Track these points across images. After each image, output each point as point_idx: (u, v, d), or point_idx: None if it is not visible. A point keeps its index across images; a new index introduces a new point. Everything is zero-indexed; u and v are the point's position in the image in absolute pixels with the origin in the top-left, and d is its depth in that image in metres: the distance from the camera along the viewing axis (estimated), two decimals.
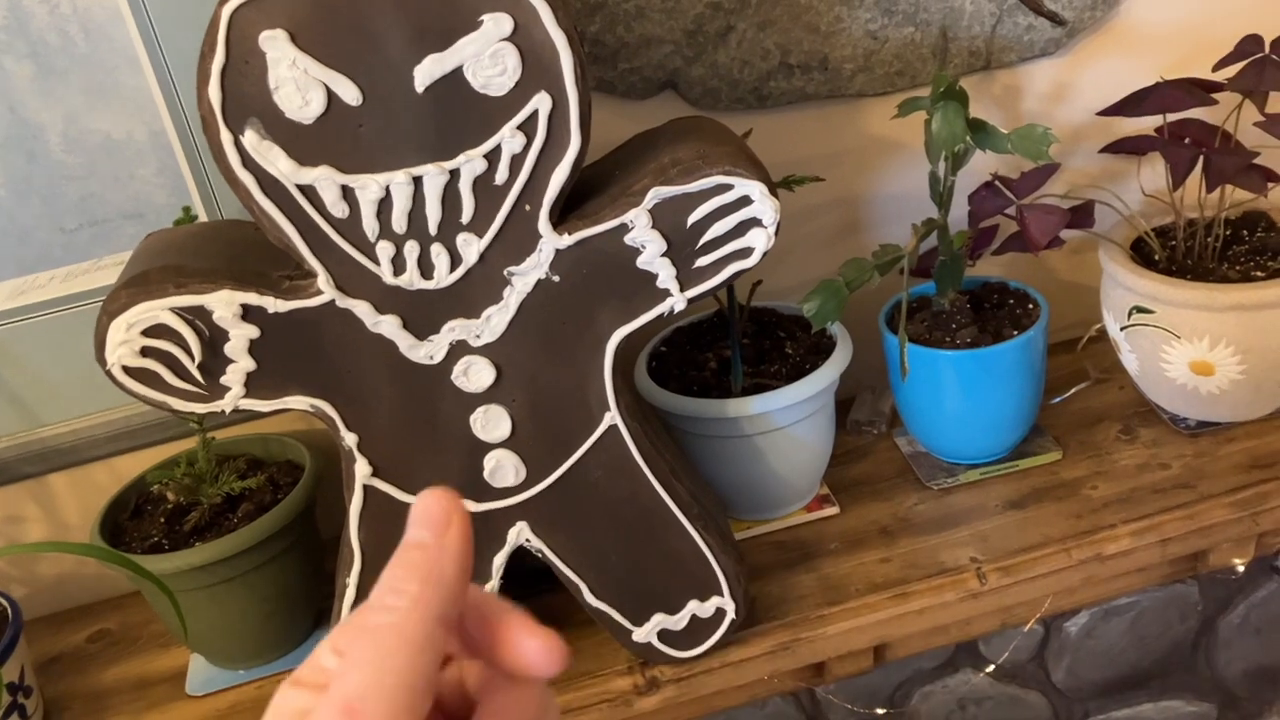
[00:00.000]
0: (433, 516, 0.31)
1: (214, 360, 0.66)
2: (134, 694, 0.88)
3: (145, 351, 0.65)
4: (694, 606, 0.78)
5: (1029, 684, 0.97)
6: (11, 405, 0.90)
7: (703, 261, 0.68)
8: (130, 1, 0.80)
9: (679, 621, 0.78)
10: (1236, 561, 0.93)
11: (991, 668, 0.94)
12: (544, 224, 0.65)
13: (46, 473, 0.94)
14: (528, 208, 0.65)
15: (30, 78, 0.81)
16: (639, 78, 0.89)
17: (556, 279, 0.67)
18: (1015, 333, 0.88)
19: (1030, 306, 0.91)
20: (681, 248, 0.67)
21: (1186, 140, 0.89)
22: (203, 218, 0.86)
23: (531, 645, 0.32)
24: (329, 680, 0.29)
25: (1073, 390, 1.00)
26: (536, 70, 0.61)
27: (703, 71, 0.90)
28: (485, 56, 0.60)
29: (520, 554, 0.76)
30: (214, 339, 0.65)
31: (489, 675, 0.33)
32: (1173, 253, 0.92)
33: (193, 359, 0.65)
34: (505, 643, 0.32)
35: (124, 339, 0.64)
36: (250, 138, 0.60)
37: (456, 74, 0.60)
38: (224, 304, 0.64)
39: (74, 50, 0.80)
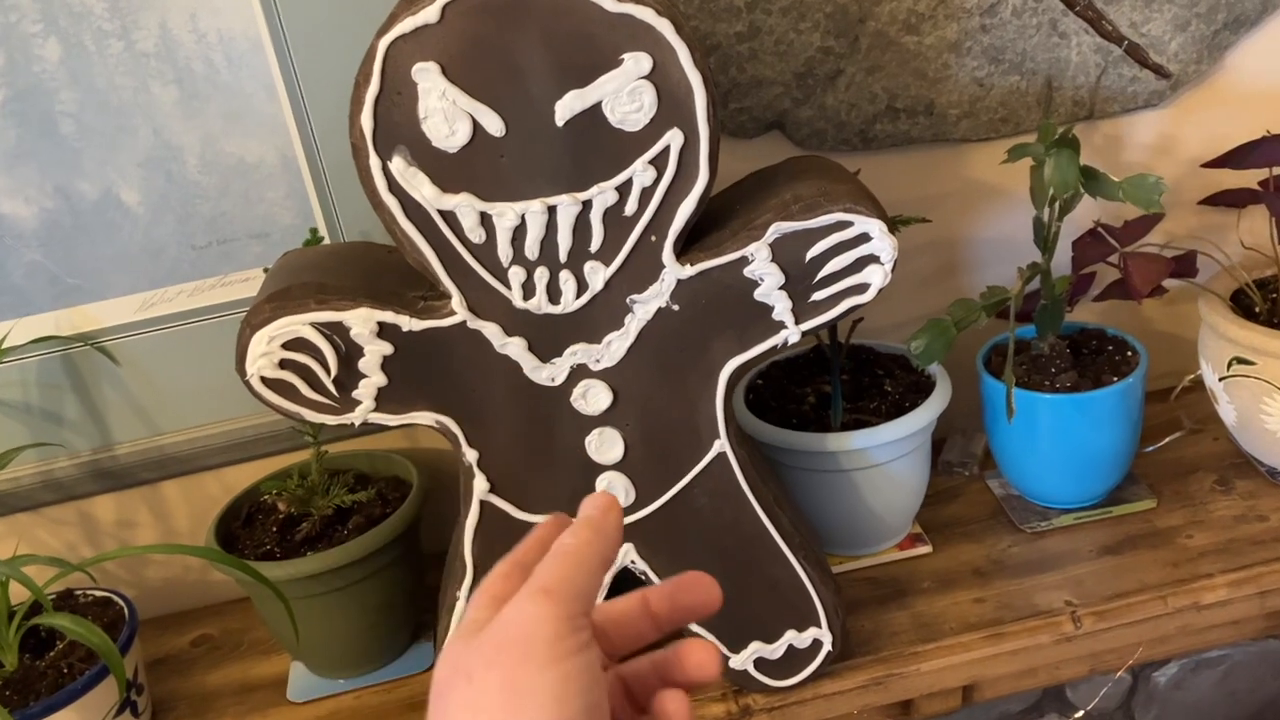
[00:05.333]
0: (601, 503, 0.41)
1: (348, 374, 0.69)
2: (237, 698, 0.91)
3: (284, 364, 0.68)
4: (791, 636, 0.79)
5: None
6: (134, 413, 0.94)
7: (819, 296, 0.70)
8: (271, 33, 0.84)
9: (775, 650, 0.79)
10: None
11: (1079, 714, 0.94)
12: (668, 254, 0.68)
13: (161, 479, 0.97)
14: (653, 238, 0.67)
15: (174, 102, 0.85)
16: (748, 117, 0.92)
17: (676, 308, 0.69)
18: (1114, 379, 0.88)
19: (1129, 354, 0.92)
20: (799, 281, 0.69)
21: None
22: (326, 240, 0.89)
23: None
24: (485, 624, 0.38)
25: (1167, 439, 1.00)
26: (671, 107, 0.63)
27: (811, 113, 0.92)
28: (624, 93, 0.62)
29: (621, 579, 0.78)
30: (349, 354, 0.68)
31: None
32: (1274, 305, 0.92)
33: (328, 372, 0.68)
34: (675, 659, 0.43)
35: (265, 351, 0.67)
36: (398, 164, 0.63)
37: (595, 109, 0.63)
38: (362, 321, 0.67)
39: (216, 77, 0.85)
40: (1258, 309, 0.92)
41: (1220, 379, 0.92)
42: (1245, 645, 0.94)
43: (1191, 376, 0.98)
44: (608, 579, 0.77)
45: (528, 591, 0.38)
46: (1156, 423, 1.02)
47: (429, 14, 0.60)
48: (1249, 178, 0.93)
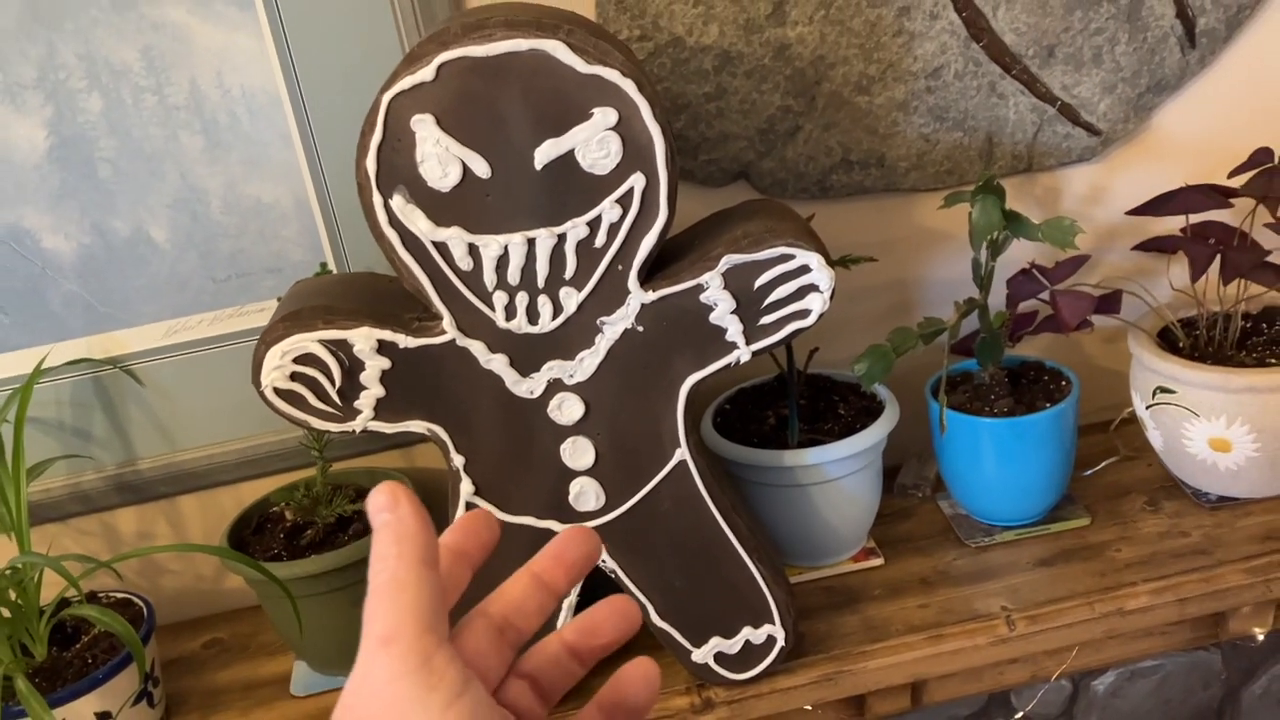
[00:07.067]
0: (382, 501, 0.37)
1: (351, 386, 0.78)
2: (243, 693, 0.99)
3: (294, 376, 0.77)
4: (748, 632, 0.87)
5: None
6: (156, 430, 1.03)
7: (766, 320, 0.79)
8: (289, 89, 0.94)
9: (734, 645, 0.87)
10: (1257, 630, 0.99)
11: (1019, 716, 1.01)
12: (633, 282, 0.77)
13: (179, 494, 1.06)
14: (620, 268, 0.77)
15: (200, 149, 0.95)
16: (716, 168, 1.02)
17: (641, 329, 0.79)
18: (1048, 405, 0.97)
19: (1063, 383, 1.01)
20: (748, 307, 0.78)
21: (1210, 240, 0.99)
22: (334, 272, 0.99)
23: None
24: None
25: (1103, 464, 1.09)
26: (635, 154, 0.73)
27: (773, 165, 1.02)
28: (594, 142, 0.72)
29: (593, 578, 0.86)
30: (352, 368, 0.77)
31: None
32: (1195, 341, 1.01)
33: (333, 384, 0.77)
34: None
35: (278, 365, 0.77)
36: (397, 201, 0.73)
37: (569, 155, 0.73)
38: (364, 339, 0.76)
39: (238, 128, 0.95)
40: (1181, 344, 1.01)
41: (1147, 407, 1.01)
42: (1177, 656, 1.02)
43: (1129, 410, 1.07)
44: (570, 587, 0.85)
45: (368, 646, 0.35)
46: (1096, 450, 1.11)
47: (425, 73, 0.70)
48: (1177, 225, 1.02)
